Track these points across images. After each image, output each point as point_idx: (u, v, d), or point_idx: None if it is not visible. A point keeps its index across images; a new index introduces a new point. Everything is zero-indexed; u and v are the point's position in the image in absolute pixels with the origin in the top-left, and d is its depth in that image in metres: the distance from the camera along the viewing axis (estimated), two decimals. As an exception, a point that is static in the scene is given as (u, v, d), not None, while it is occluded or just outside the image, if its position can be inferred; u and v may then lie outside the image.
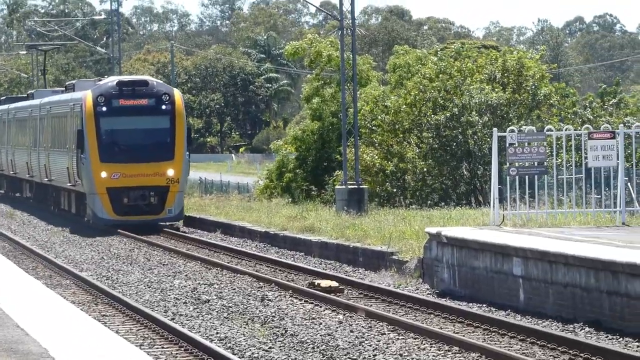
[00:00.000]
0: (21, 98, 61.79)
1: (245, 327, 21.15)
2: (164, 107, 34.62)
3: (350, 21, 41.09)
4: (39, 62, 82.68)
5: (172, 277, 28.53)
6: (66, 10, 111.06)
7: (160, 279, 29.15)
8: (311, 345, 18.57)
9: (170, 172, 34.54)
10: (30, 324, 16.27)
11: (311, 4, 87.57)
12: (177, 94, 36.78)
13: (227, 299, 25.14)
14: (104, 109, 33.67)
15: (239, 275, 29.05)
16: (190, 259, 32.82)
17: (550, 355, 16.46)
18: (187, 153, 38.04)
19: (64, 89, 48.62)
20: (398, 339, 18.44)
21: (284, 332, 20.26)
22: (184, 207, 37.03)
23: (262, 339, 19.61)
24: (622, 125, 32.42)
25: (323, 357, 17.41)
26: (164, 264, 31.63)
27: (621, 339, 17.67)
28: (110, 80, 37.09)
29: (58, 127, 43.01)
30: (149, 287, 26.62)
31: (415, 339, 18.44)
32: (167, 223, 37.00)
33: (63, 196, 43.93)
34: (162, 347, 18.78)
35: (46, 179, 45.94)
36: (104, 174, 33.67)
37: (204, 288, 26.94)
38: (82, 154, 35.18)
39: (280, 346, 18.82)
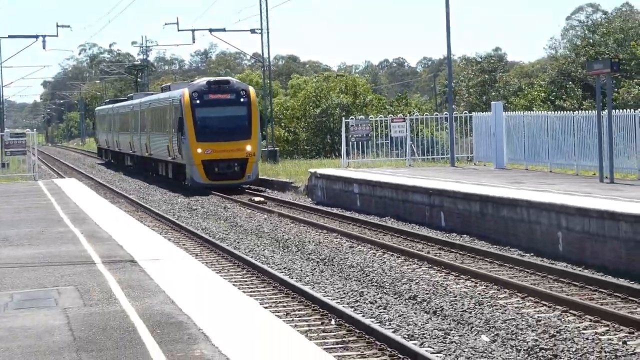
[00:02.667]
0: (120, 100, 72.32)
1: (215, 223, 31.50)
2: (242, 99, 37.40)
3: (267, 63, 60.06)
4: (107, 87, 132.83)
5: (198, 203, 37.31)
6: (119, 58, 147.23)
7: (170, 198, 39.58)
8: (249, 230, 29.35)
9: (248, 148, 37.43)
10: (103, 224, 24.30)
11: (247, 55, 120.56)
12: (252, 90, 39.63)
13: (206, 209, 36.32)
14: (198, 101, 36.70)
15: (214, 197, 39.03)
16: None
17: (370, 234, 27.29)
18: (260, 133, 42.05)
19: (157, 91, 55.54)
20: (295, 226, 29.70)
21: (235, 224, 31.50)
22: (255, 172, 41.17)
23: (225, 228, 29.77)
24: (408, 115, 48.20)
25: (256, 236, 27.82)
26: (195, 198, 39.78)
27: (409, 224, 28.22)
28: (202, 81, 39.90)
29: (158, 117, 46.10)
30: (178, 209, 34.88)
31: (304, 227, 29.86)
32: (249, 184, 40.84)
33: (161, 166, 47.61)
34: (172, 233, 28.13)
35: (146, 153, 50.80)
36: (199, 150, 36.76)
37: (196, 204, 36.86)
38: (182, 135, 38.13)
39: (234, 232, 29.12)
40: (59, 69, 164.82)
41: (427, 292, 18.10)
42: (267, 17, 55.09)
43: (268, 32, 55.73)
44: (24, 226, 24.62)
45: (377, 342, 14.01)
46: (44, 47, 67.68)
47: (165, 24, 63.16)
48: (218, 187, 38.23)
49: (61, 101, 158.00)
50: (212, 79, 38.74)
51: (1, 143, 52.99)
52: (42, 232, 23.06)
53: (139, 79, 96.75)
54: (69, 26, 63.54)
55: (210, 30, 60.74)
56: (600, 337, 14.49)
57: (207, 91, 37.60)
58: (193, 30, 63.06)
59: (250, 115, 38.18)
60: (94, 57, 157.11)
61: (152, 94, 61.52)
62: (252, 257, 22.91)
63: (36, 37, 61.60)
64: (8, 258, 18.83)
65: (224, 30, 59.88)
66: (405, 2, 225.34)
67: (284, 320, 14.06)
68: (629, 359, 13.08)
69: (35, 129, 62.86)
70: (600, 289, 18.37)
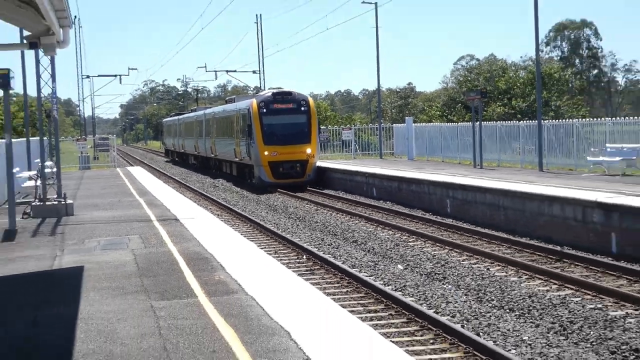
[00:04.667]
0: (182, 113, 77.85)
1: (231, 195, 35.41)
2: (303, 108, 36.39)
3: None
4: (160, 108, 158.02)
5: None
6: (168, 89, 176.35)
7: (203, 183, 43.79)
8: (252, 200, 32.67)
9: (308, 151, 36.30)
10: (158, 195, 28.48)
11: (250, 87, 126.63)
12: (311, 100, 38.01)
13: (225, 186, 40.05)
14: (264, 110, 35.81)
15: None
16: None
17: (329, 202, 31.23)
18: (318, 137, 39.86)
19: (224, 102, 53.48)
20: (281, 196, 33.42)
21: (243, 196, 34.59)
22: (314, 171, 38.09)
23: (237, 199, 33.58)
24: (353, 126, 54.82)
25: (255, 203, 31.17)
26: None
27: (354, 195, 32.53)
28: (267, 92, 38.89)
29: (224, 124, 44.63)
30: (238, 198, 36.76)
31: (288, 197, 32.97)
32: (307, 183, 37.66)
33: (225, 165, 46.25)
34: (202, 201, 32.13)
35: (212, 154, 49.81)
36: (266, 153, 35.66)
37: (217, 182, 42.39)
38: (250, 140, 36.69)
39: (242, 200, 32.51)
40: (130, 97, 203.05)
41: (364, 238, 21.26)
42: (262, 63, 65.88)
43: (264, 72, 66.04)
44: (107, 197, 27.95)
45: (332, 270, 16.42)
46: (120, 82, 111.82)
47: (198, 67, 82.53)
48: (282, 185, 35.87)
49: (131, 117, 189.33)
50: (276, 90, 37.78)
51: (94, 144, 63.17)
52: (119, 201, 26.06)
53: (180, 102, 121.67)
54: (136, 68, 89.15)
55: (227, 71, 73.70)
56: (472, 265, 17.11)
57: (272, 101, 36.07)
58: (216, 71, 76.60)
59: (309, 122, 37.00)
60: (152, 89, 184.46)
61: (208, 107, 65.97)
62: (253, 216, 26.31)
63: (115, 76, 79.36)
64: (98, 218, 21.39)
65: (235, 71, 73.42)
66: (351, 47, 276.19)
67: (272, 257, 15.69)
68: (491, 279, 15.44)
69: (115, 135, 71.86)
70: (473, 236, 21.29)
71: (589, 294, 14.05)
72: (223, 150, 45.75)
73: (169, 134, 77.87)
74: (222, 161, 47.34)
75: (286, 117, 36.56)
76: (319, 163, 39.22)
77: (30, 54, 23.47)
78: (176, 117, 75.12)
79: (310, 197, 33.52)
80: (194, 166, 58.60)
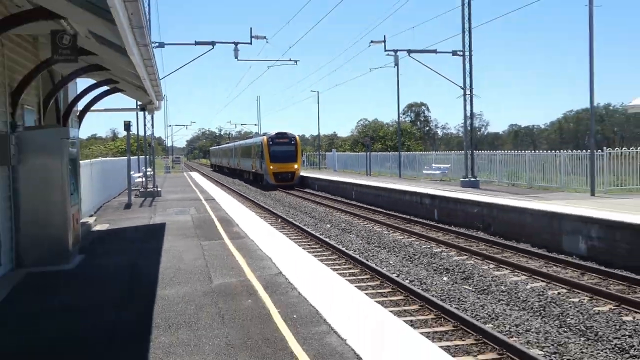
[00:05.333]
0: (221, 144, 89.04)
1: (244, 187, 42.54)
2: (292, 142, 42.45)
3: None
4: (206, 143, 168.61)
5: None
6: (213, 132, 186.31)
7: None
8: (254, 190, 42.20)
9: (295, 166, 42.40)
10: (206, 188, 36.22)
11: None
12: (298, 137, 42.81)
13: (239, 183, 49.03)
14: (271, 143, 41.89)
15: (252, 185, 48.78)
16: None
17: (308, 196, 37.87)
18: (301, 159, 45.41)
19: (249, 137, 57.89)
20: (279, 193, 41.69)
21: (248, 188, 42.37)
22: (299, 179, 42.72)
23: (249, 189, 40.67)
24: (306, 153, 66.32)
25: (263, 196, 39.24)
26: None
27: (310, 190, 39.01)
28: (272, 133, 43.79)
29: (246, 151, 51.25)
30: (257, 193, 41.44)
31: (283, 193, 39.01)
32: (294, 185, 42.90)
33: (245, 174, 52.31)
34: (230, 192, 37.77)
35: (237, 167, 57.48)
36: (272, 167, 41.68)
37: (240, 182, 50.09)
38: (262, 160, 42.49)
39: (252, 194, 40.23)
40: (190, 136, 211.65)
41: (324, 215, 24.99)
42: (259, 119, 69.47)
43: (260, 125, 67.78)
44: (178, 187, 33.92)
45: (309, 236, 18.81)
46: (186, 129, 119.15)
47: (227, 121, 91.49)
48: (280, 186, 40.89)
49: (192, 147, 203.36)
50: (278, 132, 42.86)
51: (172, 160, 74.16)
52: (184, 190, 31.28)
53: (217, 139, 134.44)
54: (195, 121, 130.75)
55: (242, 124, 79.40)
56: (366, 226, 21.18)
57: (276, 138, 41.73)
58: (235, 124, 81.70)
59: (297, 150, 42.11)
60: (204, 132, 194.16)
61: (233, 141, 75.05)
62: (258, 201, 30.92)
63: (185, 125, 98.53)
64: (173, 198, 26.35)
65: (246, 124, 77.12)
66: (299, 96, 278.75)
67: (263, 219, 19.02)
68: (375, 233, 19.26)
69: (183, 155, 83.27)
70: (367, 211, 26.42)
71: (423, 240, 17.50)
72: (244, 164, 51.76)
73: (214, 155, 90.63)
74: (243, 171, 53.07)
75: (283, 147, 42.32)
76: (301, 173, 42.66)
77: (141, 113, 28.68)
78: (218, 147, 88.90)
79: (300, 193, 37.12)
80: (227, 173, 66.28)
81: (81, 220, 12.86)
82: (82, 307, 7.91)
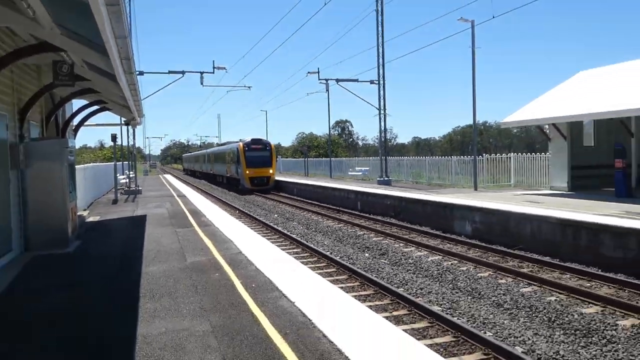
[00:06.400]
0: (195, 150, 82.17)
1: (215, 187, 39.16)
2: (267, 148, 36.58)
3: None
4: (178, 151, 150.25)
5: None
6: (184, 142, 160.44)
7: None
8: (234, 196, 34.68)
9: (270, 171, 36.20)
10: (179, 187, 34.37)
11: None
12: (272, 144, 36.99)
13: (215, 187, 41.75)
14: (247, 148, 36.10)
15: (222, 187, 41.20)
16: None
17: (283, 200, 31.14)
18: (276, 164, 38.07)
19: (221, 144, 53.27)
20: (258, 197, 34.13)
21: (224, 192, 36.73)
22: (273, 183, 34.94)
23: (223, 190, 35.97)
24: (281, 158, 57.02)
25: (237, 199, 33.15)
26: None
27: (285, 193, 33.12)
28: (248, 138, 34.19)
29: (220, 156, 43.94)
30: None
31: (260, 197, 32.54)
32: (270, 189, 36.70)
33: (219, 178, 44.93)
34: (201, 190, 34.67)
35: (210, 172, 49.43)
36: (248, 172, 35.65)
37: (216, 183, 44.67)
38: (238, 165, 36.56)
39: (219, 190, 36.58)
40: (164, 146, 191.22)
41: (273, 207, 24.01)
42: (220, 132, 63.35)
43: (220, 137, 62.92)
44: (155, 187, 32.27)
45: (261, 224, 18.20)
46: (161, 140, 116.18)
47: (193, 134, 72.45)
48: (256, 190, 36.01)
49: (166, 155, 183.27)
50: (253, 138, 37.52)
51: (149, 165, 72.95)
52: (160, 189, 29.66)
53: (186, 148, 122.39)
54: (167, 134, 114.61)
55: (206, 136, 69.41)
56: (306, 215, 20.39)
57: (251, 144, 36.43)
58: (200, 136, 74.26)
59: (271, 156, 36.65)
60: (176, 142, 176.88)
61: (200, 149, 68.04)
62: (220, 197, 28.65)
63: (160, 137, 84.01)
64: (151, 195, 25.20)
65: (208, 136, 69.60)
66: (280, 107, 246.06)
67: (235, 218, 17.51)
68: (313, 220, 18.74)
69: (158, 161, 79.16)
70: (305, 204, 24.67)
71: (350, 226, 17.07)
72: (217, 169, 44.83)
73: (186, 161, 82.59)
74: (217, 175, 45.85)
75: (259, 153, 36.89)
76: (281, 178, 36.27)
77: (124, 127, 26.80)
78: (190, 154, 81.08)
79: (277, 197, 31.30)
80: (198, 176, 60.21)
81: (78, 213, 12.53)
82: (82, 282, 7.75)
